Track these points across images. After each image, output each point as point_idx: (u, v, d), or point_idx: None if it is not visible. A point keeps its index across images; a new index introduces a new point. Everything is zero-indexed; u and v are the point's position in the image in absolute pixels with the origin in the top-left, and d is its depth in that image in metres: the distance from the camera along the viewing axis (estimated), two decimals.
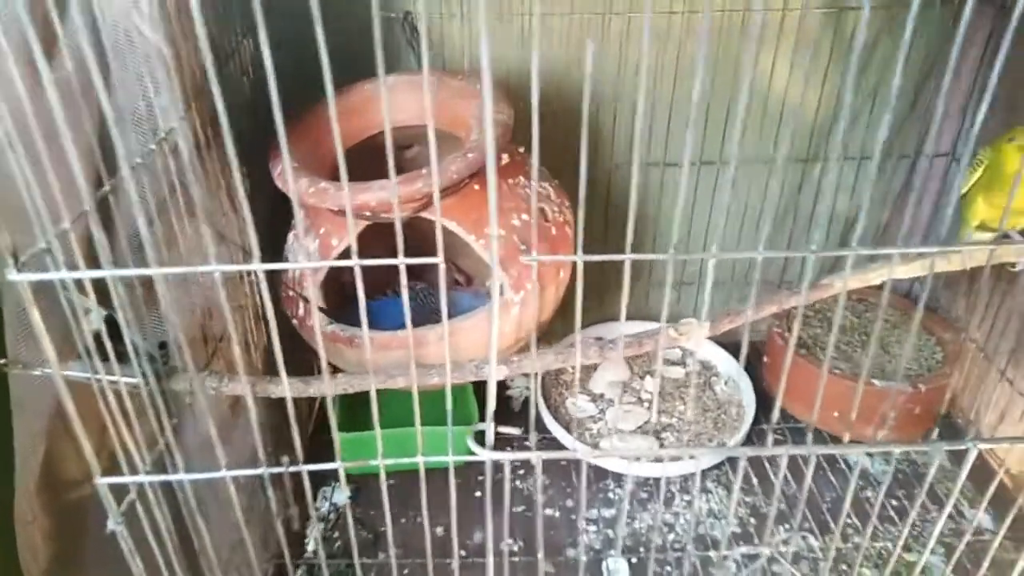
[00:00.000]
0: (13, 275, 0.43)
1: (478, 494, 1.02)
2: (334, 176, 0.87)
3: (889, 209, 1.21)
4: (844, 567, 0.92)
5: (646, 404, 1.14)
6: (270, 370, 0.89)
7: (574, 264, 0.94)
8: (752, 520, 0.99)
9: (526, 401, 1.20)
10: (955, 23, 1.03)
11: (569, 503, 1.03)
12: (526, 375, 1.23)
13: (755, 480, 1.05)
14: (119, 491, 0.54)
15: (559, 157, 1.12)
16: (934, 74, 1.09)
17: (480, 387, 1.09)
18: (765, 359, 1.22)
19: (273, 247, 0.93)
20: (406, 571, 0.91)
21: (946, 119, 1.14)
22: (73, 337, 0.55)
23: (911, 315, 1.21)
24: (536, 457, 0.51)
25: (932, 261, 0.56)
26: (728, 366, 1.21)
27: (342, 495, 1.02)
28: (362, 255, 0.46)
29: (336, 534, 0.99)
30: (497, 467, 0.96)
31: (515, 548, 0.95)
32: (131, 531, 0.55)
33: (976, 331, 1.09)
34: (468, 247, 0.86)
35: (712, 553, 0.94)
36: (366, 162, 0.85)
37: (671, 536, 0.99)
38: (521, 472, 1.07)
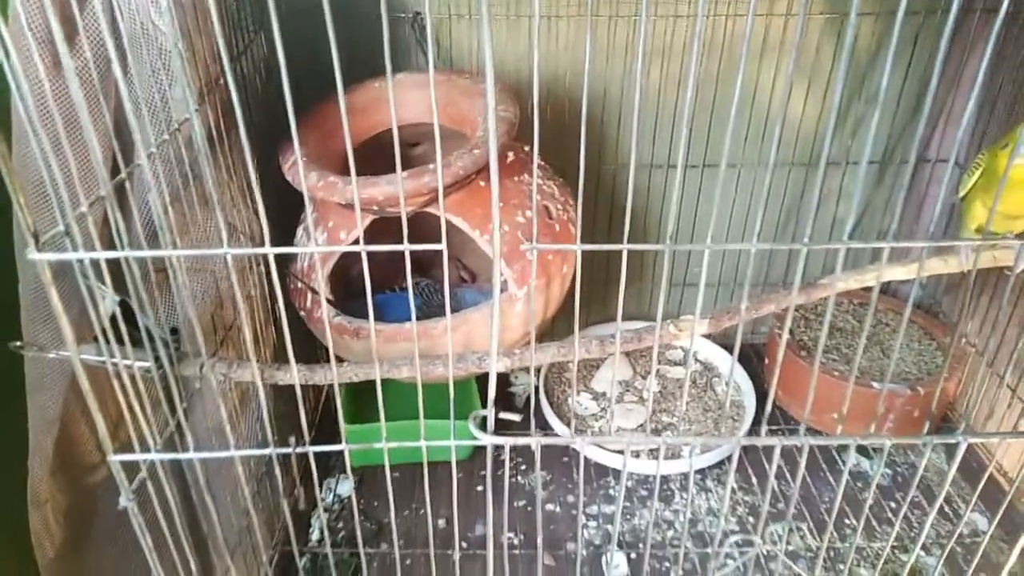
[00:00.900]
0: (34, 254, 0.45)
1: (479, 488, 1.04)
2: (342, 171, 0.89)
3: (890, 214, 1.23)
4: (840, 566, 0.93)
5: (647, 404, 1.16)
6: (277, 359, 0.91)
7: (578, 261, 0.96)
8: (750, 519, 1.00)
9: (529, 397, 1.21)
10: (957, 31, 1.05)
11: (570, 498, 1.04)
12: (528, 372, 1.25)
13: (754, 480, 1.06)
14: (131, 470, 0.55)
15: (564, 156, 1.14)
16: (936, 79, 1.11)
17: (483, 382, 1.11)
18: (766, 361, 1.23)
19: (282, 240, 0.95)
20: (408, 561, 0.93)
21: (949, 125, 1.15)
22: (88, 321, 0.57)
23: (913, 320, 1.22)
24: (535, 442, 0.53)
25: (922, 258, 0.57)
26: (726, 366, 1.23)
27: (346, 486, 1.04)
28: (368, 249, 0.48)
29: (340, 524, 1.00)
30: (497, 461, 0.97)
31: (515, 541, 0.97)
32: (141, 512, 0.57)
33: (975, 336, 1.10)
34: (473, 244, 0.88)
35: (710, 549, 0.95)
36: (374, 158, 0.87)
37: (670, 533, 1.00)
38: (523, 468, 1.09)
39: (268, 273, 0.87)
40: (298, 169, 0.83)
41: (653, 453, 1.07)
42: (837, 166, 1.18)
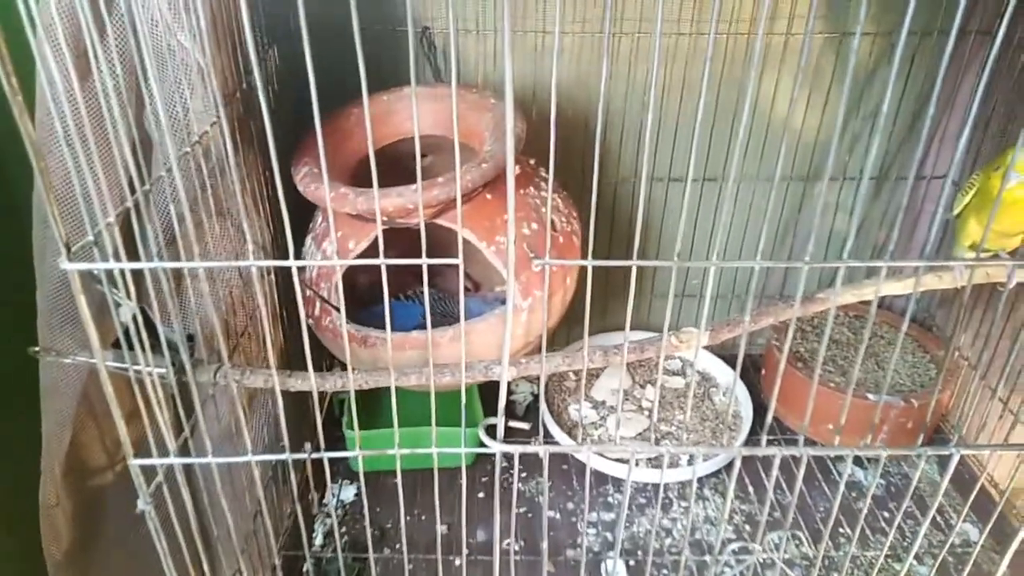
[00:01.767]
0: (65, 264, 0.47)
1: (481, 495, 1.05)
2: (352, 182, 0.91)
3: (886, 230, 1.25)
4: (835, 574, 0.94)
5: (646, 412, 1.17)
6: (286, 366, 0.92)
7: (580, 273, 0.98)
8: (747, 527, 1.02)
9: (529, 406, 1.23)
10: (954, 52, 1.07)
11: (570, 505, 1.06)
12: (529, 380, 1.27)
13: (751, 489, 1.08)
14: (148, 474, 0.57)
15: (566, 170, 1.16)
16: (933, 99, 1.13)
17: (486, 390, 1.12)
18: (763, 372, 1.25)
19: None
20: (411, 566, 0.94)
21: (944, 143, 1.18)
22: (104, 327, 0.58)
23: (907, 333, 1.24)
24: (543, 450, 0.55)
25: (918, 275, 0.59)
26: (727, 377, 1.25)
27: (349, 492, 1.05)
28: (376, 259, 0.49)
29: (343, 529, 1.01)
30: (499, 468, 0.99)
31: (517, 547, 0.98)
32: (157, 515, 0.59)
33: (968, 349, 1.12)
34: (476, 254, 0.90)
35: (708, 557, 0.97)
36: (382, 170, 0.88)
37: (668, 540, 1.01)
38: (523, 475, 1.10)
39: (278, 282, 0.89)
40: (309, 180, 0.85)
41: (652, 462, 1.09)
42: (835, 181, 1.20)
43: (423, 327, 0.90)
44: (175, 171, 0.48)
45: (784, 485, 1.08)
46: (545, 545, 0.61)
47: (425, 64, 1.10)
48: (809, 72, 1.12)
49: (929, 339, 1.22)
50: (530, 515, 1.04)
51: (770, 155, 1.18)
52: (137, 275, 0.52)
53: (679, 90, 1.13)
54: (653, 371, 1.27)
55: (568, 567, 0.96)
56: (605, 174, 1.20)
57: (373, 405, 1.12)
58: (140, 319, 0.57)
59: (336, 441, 1.09)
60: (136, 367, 0.55)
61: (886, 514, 1.05)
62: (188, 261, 0.48)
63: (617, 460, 1.07)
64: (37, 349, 0.66)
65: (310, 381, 0.59)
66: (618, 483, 1.09)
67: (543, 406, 1.14)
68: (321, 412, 1.19)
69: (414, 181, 0.85)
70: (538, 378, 1.21)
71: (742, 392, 1.19)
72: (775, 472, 0.60)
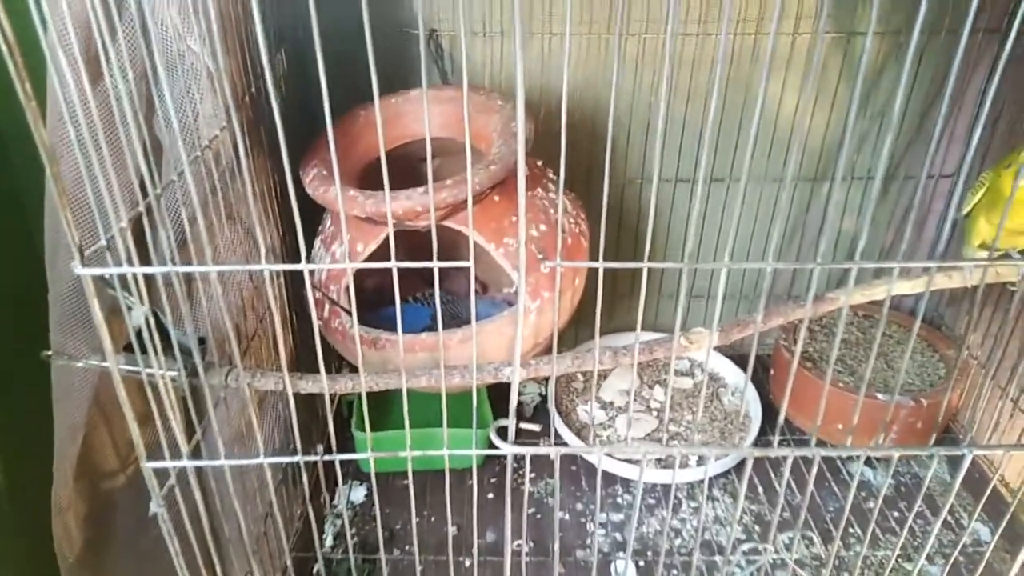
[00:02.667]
0: (79, 269, 0.47)
1: (490, 496, 1.05)
2: (359, 185, 0.91)
3: (894, 229, 1.25)
4: (845, 574, 0.94)
5: (655, 412, 1.17)
6: (295, 369, 0.92)
7: (588, 274, 0.98)
8: (757, 527, 1.02)
9: (537, 407, 1.23)
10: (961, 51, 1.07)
11: (579, 507, 1.06)
12: (537, 382, 1.27)
13: (760, 489, 1.08)
14: (161, 477, 0.57)
15: (572, 172, 1.16)
16: (939, 98, 1.13)
17: (493, 391, 1.12)
18: (772, 372, 1.25)
19: (298, 251, 0.97)
20: (421, 567, 0.94)
21: (952, 142, 1.18)
22: (116, 331, 0.58)
23: (916, 332, 1.24)
24: (555, 451, 0.55)
25: (931, 276, 0.59)
26: (735, 378, 1.25)
27: (359, 493, 1.05)
28: (385, 262, 0.49)
29: (353, 530, 1.02)
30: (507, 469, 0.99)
31: (526, 548, 0.98)
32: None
33: (978, 349, 1.12)
34: (483, 256, 0.90)
35: (718, 557, 0.97)
36: (389, 173, 0.89)
37: (677, 541, 1.01)
38: (532, 476, 1.10)
39: (287, 285, 0.89)
40: (318, 183, 0.85)
41: (661, 462, 1.09)
42: (843, 181, 1.20)
43: (431, 329, 0.90)
44: (187, 175, 0.49)
45: (793, 485, 1.08)
46: (557, 546, 0.61)
47: (432, 66, 1.10)
48: (817, 72, 1.12)
49: (938, 338, 1.21)
50: (539, 516, 1.04)
51: (776, 155, 1.18)
52: (148, 279, 0.52)
53: (685, 91, 1.12)
54: (661, 372, 1.27)
55: (578, 567, 0.96)
56: (612, 175, 1.20)
57: (381, 407, 1.12)
58: (152, 322, 0.58)
59: (344, 443, 1.10)
60: (149, 370, 0.55)
61: (895, 513, 1.05)
62: (200, 265, 0.48)
63: (626, 461, 1.07)
64: (50, 353, 0.67)
65: (322, 383, 0.59)
66: (627, 484, 1.09)
67: (552, 407, 1.14)
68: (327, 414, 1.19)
69: (421, 184, 0.86)
70: (545, 379, 1.21)
71: (751, 392, 1.19)
72: (787, 473, 0.60)
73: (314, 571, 0.90)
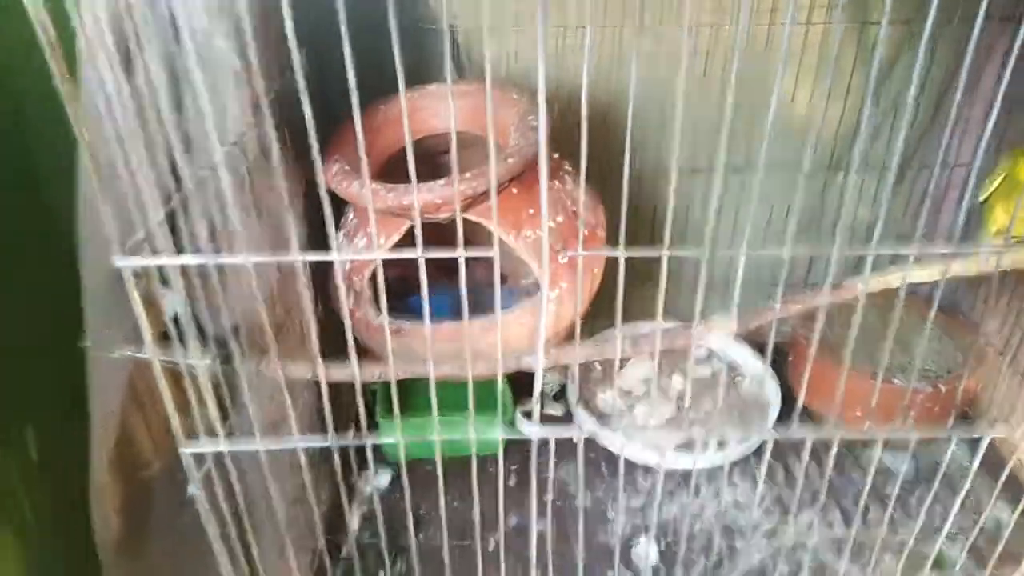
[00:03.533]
0: (120, 261, 0.49)
1: (511, 483, 1.07)
2: (382, 178, 0.93)
3: (910, 219, 1.25)
4: (866, 554, 0.96)
5: (673, 400, 1.19)
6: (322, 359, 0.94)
7: (606, 264, 0.99)
8: (776, 511, 1.03)
9: (556, 395, 1.25)
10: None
11: (599, 494, 1.08)
12: (556, 371, 1.28)
13: (780, 474, 1.09)
14: (198, 462, 0.59)
15: (588, 164, 1.17)
16: (953, 86, 1.13)
17: (514, 380, 1.14)
18: (790, 359, 1.26)
19: (321, 244, 0.99)
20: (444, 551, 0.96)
21: (967, 131, 1.18)
22: (152, 321, 0.60)
23: (933, 319, 1.25)
24: (579, 435, 0.56)
25: (947, 264, 0.60)
26: (754, 365, 1.26)
27: (384, 480, 1.08)
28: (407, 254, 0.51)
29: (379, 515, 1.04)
30: (527, 455, 1.01)
31: (550, 532, 1.00)
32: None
33: (996, 335, 1.12)
34: (502, 247, 0.91)
35: (739, 541, 0.98)
36: (407, 167, 0.90)
37: (697, 525, 1.03)
38: (553, 461, 1.12)
39: (313, 277, 0.91)
40: (341, 177, 0.87)
41: (681, 448, 1.10)
42: (858, 170, 1.21)
43: (450, 319, 0.91)
44: (221, 169, 0.51)
45: (813, 472, 1.09)
46: (581, 528, 0.63)
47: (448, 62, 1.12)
48: (828, 59, 1.12)
49: (955, 325, 1.22)
50: (559, 502, 1.06)
51: (788, 145, 1.18)
52: (183, 270, 0.54)
53: (699, 82, 1.13)
54: (679, 360, 1.28)
55: (600, 551, 0.98)
56: (629, 167, 1.21)
57: (403, 395, 1.14)
58: (189, 312, 0.60)
59: (370, 429, 1.12)
60: (186, 360, 0.57)
61: (912, 498, 1.06)
62: (240, 256, 0.50)
63: (646, 447, 1.08)
64: (87, 343, 0.69)
65: (352, 371, 0.61)
66: (647, 471, 1.11)
67: (573, 393, 1.16)
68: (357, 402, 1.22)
69: (439, 177, 0.87)
70: (564, 368, 1.23)
71: (769, 379, 1.20)
72: (806, 456, 0.61)
73: (343, 554, 0.92)
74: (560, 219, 0.93)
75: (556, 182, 0.97)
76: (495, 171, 0.83)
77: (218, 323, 0.65)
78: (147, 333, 0.52)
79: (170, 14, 0.60)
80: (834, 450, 0.59)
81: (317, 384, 0.89)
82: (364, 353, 1.19)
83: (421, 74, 1.11)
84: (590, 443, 1.14)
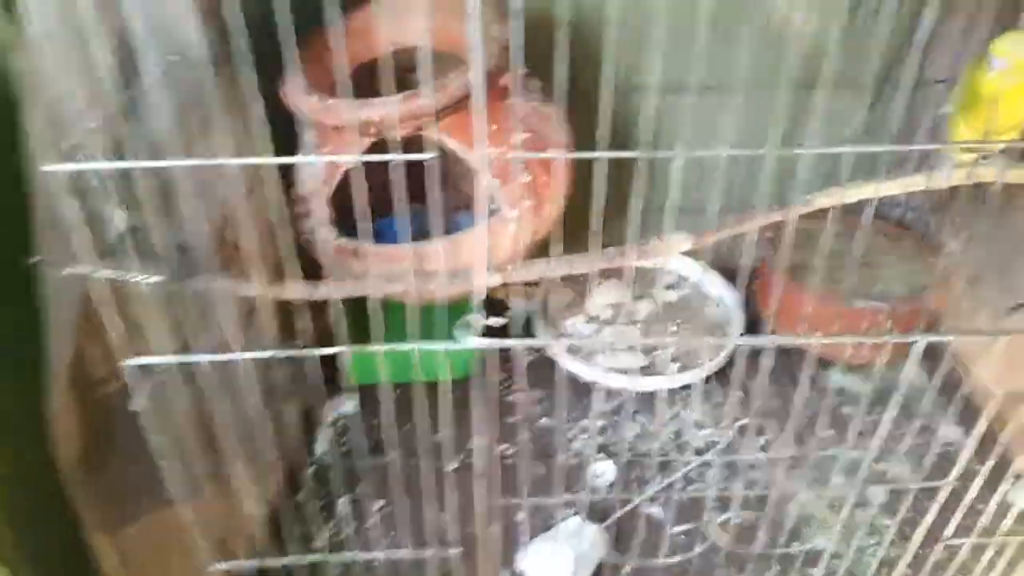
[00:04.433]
0: (48, 166, 0.47)
1: (477, 409, 1.08)
2: (334, 96, 0.90)
3: (887, 134, 1.23)
4: (818, 473, 0.98)
5: (639, 325, 1.20)
6: (279, 279, 0.94)
7: (574, 181, 0.97)
8: (731, 432, 1.06)
9: (525, 323, 1.25)
10: None
11: (564, 415, 1.09)
12: (523, 298, 1.28)
13: (741, 395, 1.11)
14: (146, 376, 0.59)
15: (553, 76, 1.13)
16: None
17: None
18: (756, 281, 1.26)
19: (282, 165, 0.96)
20: (408, 472, 0.98)
21: (945, 45, 1.16)
22: (101, 239, 0.59)
23: (901, 241, 1.25)
24: (518, 343, 0.56)
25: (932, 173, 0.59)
26: (719, 290, 1.26)
27: (349, 405, 1.08)
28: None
29: (344, 439, 1.05)
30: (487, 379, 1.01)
31: (509, 452, 1.02)
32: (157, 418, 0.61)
33: (960, 255, 1.13)
34: (470, 173, 0.90)
35: (695, 458, 1.00)
36: (370, 83, 0.88)
37: (655, 445, 1.05)
38: (514, 387, 1.13)
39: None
40: (297, 94, 0.85)
41: (645, 370, 1.12)
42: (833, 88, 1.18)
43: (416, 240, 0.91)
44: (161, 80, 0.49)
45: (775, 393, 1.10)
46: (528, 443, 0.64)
47: None
48: None
49: (922, 245, 1.22)
50: (525, 425, 1.07)
51: (768, 61, 1.15)
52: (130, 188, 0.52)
53: None
54: (648, 286, 1.29)
55: (558, 469, 1.00)
56: (595, 80, 1.18)
57: (365, 325, 1.14)
58: (132, 230, 0.59)
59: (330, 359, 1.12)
60: (134, 277, 0.56)
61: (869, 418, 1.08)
62: (173, 159, 0.48)
63: (610, 369, 1.09)
64: (38, 259, 0.67)
65: (299, 289, 0.60)
66: (609, 393, 1.12)
67: (538, 319, 1.15)
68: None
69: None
70: (533, 295, 1.22)
71: (734, 301, 1.21)
72: (768, 364, 0.61)
73: (306, 475, 0.93)
74: (525, 136, 0.91)
75: (519, 99, 0.95)
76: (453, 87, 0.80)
77: (172, 241, 0.64)
78: (84, 246, 0.51)
79: None
80: (804, 365, 0.59)
81: (283, 304, 0.89)
82: (324, 276, 1.18)
83: None
84: (550, 364, 1.14)
